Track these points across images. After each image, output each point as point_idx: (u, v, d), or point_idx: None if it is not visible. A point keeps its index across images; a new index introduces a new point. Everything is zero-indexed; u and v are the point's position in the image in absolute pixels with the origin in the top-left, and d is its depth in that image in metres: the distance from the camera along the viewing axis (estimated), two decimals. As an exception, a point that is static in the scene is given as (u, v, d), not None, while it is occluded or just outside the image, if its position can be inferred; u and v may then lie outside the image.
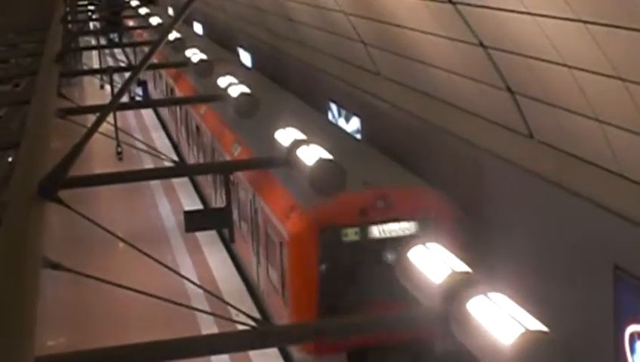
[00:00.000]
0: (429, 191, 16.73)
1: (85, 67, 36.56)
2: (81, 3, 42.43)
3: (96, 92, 40.09)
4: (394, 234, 15.94)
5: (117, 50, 56.93)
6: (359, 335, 13.62)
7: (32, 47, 15.38)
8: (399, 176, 17.68)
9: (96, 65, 44.98)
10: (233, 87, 14.42)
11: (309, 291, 16.50)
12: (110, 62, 48.31)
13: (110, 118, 8.98)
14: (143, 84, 43.59)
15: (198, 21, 54.64)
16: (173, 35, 21.53)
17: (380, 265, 16.12)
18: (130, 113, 37.85)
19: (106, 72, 22.29)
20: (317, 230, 16.05)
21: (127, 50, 58.12)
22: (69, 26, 24.25)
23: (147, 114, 39.44)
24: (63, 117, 10.12)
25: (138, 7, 35.57)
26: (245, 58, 40.63)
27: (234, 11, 39.70)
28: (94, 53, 48.74)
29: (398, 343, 15.84)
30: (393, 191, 16.28)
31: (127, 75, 21.35)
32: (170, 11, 62.18)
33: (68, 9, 26.28)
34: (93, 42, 52.47)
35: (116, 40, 53.77)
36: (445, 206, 16.44)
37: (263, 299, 19.04)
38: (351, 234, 16.05)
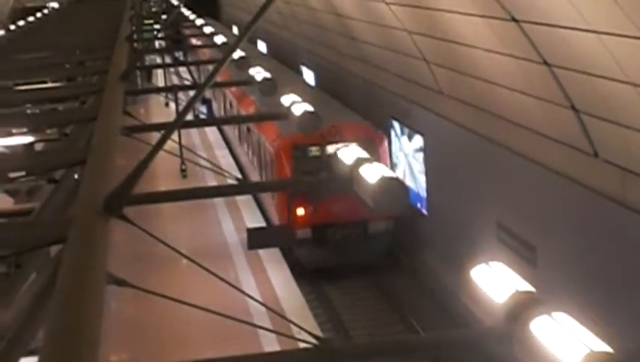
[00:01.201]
0: (368, 126, 26.44)
1: (151, 85, 36.83)
2: (146, 22, 42.83)
3: (161, 109, 40.41)
4: None
5: (182, 69, 57.38)
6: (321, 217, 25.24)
7: (98, 65, 15.53)
8: (350, 117, 27.80)
9: (161, 83, 45.33)
10: (297, 105, 14.44)
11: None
12: (175, 80, 48.65)
13: (175, 136, 9.05)
14: (207, 102, 43.90)
15: (262, 39, 54.96)
16: (238, 54, 21.64)
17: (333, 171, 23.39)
18: (194, 131, 38.09)
19: (170, 90, 22.51)
20: (291, 148, 25.47)
21: (192, 68, 58.61)
22: (135, 44, 24.51)
23: (211, 132, 39.67)
24: (128, 134, 10.19)
25: (202, 25, 35.81)
26: (309, 76, 40.76)
27: (297, 30, 39.87)
28: (159, 71, 49.17)
29: (345, 221, 25.07)
30: (342, 124, 25.53)
31: (191, 93, 21.56)
32: (235, 30, 62.66)
33: (134, 28, 26.56)
34: (159, 60, 52.94)
35: (181, 58, 54.24)
36: (379, 135, 26.02)
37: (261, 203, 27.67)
38: (314, 151, 25.44)
